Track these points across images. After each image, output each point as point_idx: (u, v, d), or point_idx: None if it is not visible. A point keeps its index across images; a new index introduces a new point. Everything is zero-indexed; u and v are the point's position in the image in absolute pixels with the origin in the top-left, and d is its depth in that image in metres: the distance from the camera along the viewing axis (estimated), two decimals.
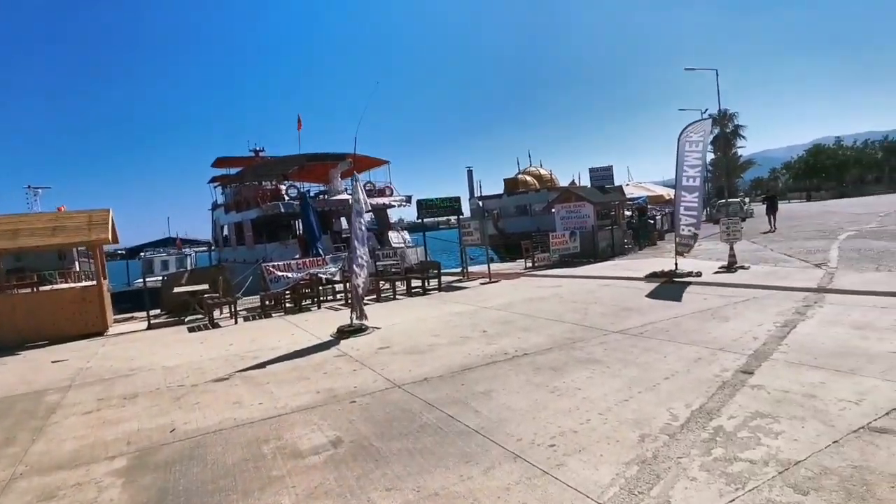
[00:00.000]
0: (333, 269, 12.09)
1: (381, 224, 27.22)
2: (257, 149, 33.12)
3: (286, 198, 23.76)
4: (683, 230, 11.34)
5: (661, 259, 14.95)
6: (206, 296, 11.31)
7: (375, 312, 9.57)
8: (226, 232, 30.28)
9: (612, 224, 18.17)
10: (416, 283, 12.50)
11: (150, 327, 10.21)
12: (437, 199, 13.76)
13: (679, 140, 11.17)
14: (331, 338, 7.53)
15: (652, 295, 8.85)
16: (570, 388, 4.41)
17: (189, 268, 21.27)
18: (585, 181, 29.39)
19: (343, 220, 28.95)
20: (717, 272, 10.78)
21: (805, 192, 72.02)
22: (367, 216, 29.38)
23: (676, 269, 10.86)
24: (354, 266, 7.75)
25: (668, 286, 9.67)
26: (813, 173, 72.99)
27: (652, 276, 10.83)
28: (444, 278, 14.47)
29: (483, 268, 15.36)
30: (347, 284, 11.93)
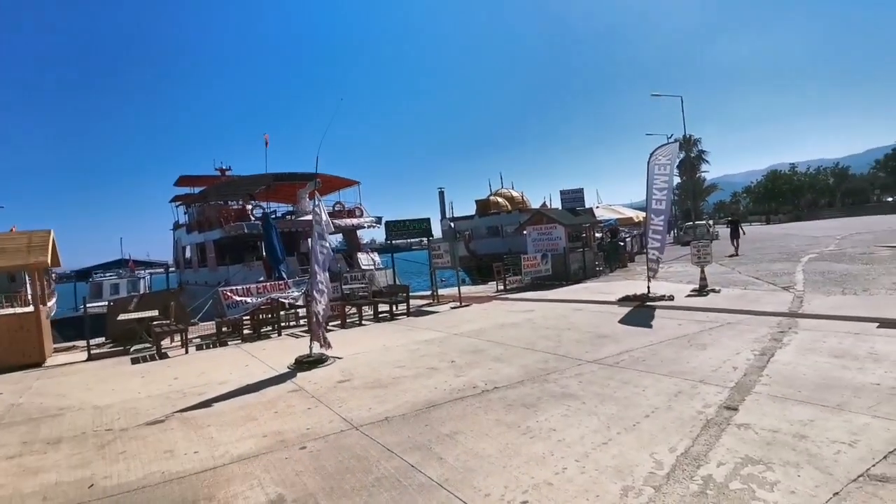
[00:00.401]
0: (296, 294, 11.48)
1: (350, 245, 26.66)
2: (223, 168, 32.17)
3: (252, 218, 23.00)
4: (651, 254, 11.27)
5: (632, 282, 14.89)
6: (155, 323, 10.55)
7: (339, 340, 9.04)
8: (188, 253, 29.12)
9: (583, 246, 18.13)
10: (383, 307, 12.00)
11: (90, 358, 9.35)
12: (406, 220, 13.39)
13: (648, 163, 11.17)
14: (288, 369, 6.98)
15: (626, 320, 8.62)
16: (545, 428, 4.02)
17: (143, 291, 20.15)
18: (557, 203, 29.61)
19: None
20: (689, 295, 10.69)
21: (765, 216, 74.84)
22: (334, 238, 28.81)
23: (649, 292, 10.72)
24: (314, 292, 7.25)
25: (642, 311, 9.48)
26: (771, 197, 76.05)
27: (625, 300, 10.65)
28: (413, 302, 14.02)
29: (454, 291, 15.00)
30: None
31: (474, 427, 4.17)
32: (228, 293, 10.64)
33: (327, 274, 7.46)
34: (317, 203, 7.32)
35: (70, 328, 13.65)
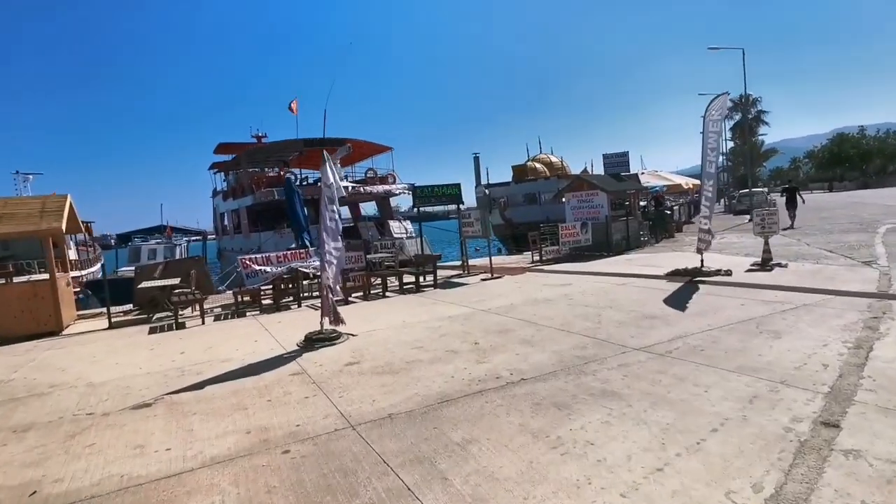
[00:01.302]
0: (318, 263, 10.93)
1: (382, 213, 26.08)
2: (259, 134, 31.95)
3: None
4: (702, 223, 10.00)
5: (681, 254, 13.62)
6: (176, 291, 10.26)
7: (358, 313, 8.43)
8: (226, 220, 29.34)
9: (627, 215, 16.80)
10: (409, 278, 11.32)
11: (110, 326, 9.15)
12: (434, 185, 12.50)
13: (704, 120, 9.80)
14: (297, 347, 6.39)
15: (677, 298, 7.57)
16: (580, 440, 3.20)
17: (178, 257, 20.30)
18: (599, 169, 27.93)
19: (342, 209, 27.88)
20: (750, 270, 9.46)
21: (827, 183, 69.43)
22: (370, 206, 28.14)
23: (702, 266, 9.55)
24: (324, 262, 6.57)
25: (695, 287, 8.38)
26: (836, 162, 70.30)
27: (674, 275, 9.53)
28: (442, 273, 13.30)
29: (484, 260, 14.13)
30: None
31: (492, 434, 3.40)
32: (247, 262, 10.19)
33: (339, 243, 6.75)
34: (327, 163, 6.55)
35: (103, 291, 13.69)
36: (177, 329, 8.50)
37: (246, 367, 5.63)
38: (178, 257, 20.53)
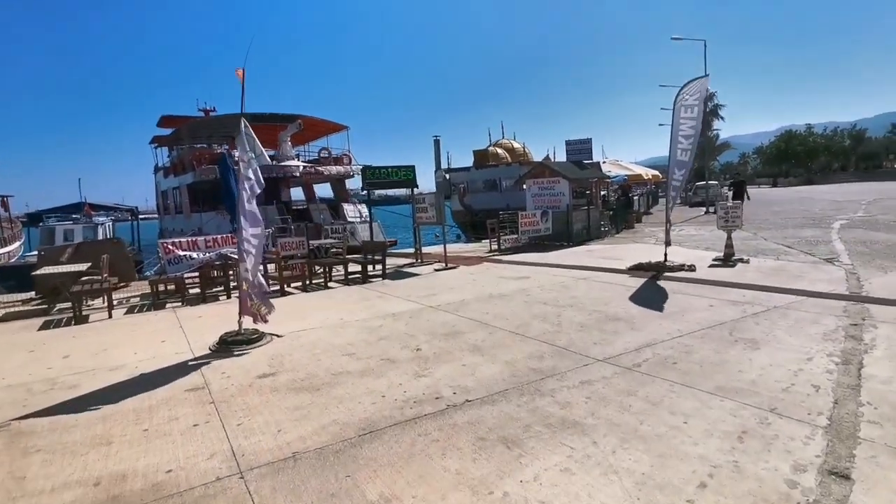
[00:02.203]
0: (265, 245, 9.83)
1: (337, 196, 24.79)
2: (207, 108, 29.75)
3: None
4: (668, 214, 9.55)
5: (641, 245, 13.25)
6: (84, 279, 8.95)
7: (292, 307, 7.48)
8: (168, 199, 27.27)
9: (588, 204, 16.36)
10: (356, 267, 10.38)
11: None
12: (386, 167, 11.52)
13: (675, 104, 9.25)
14: (209, 350, 5.41)
15: (641, 296, 7.01)
16: (533, 500, 2.45)
17: (100, 238, 18.47)
18: (561, 156, 27.53)
19: (293, 190, 26.37)
20: (713, 265, 9.06)
21: (772, 178, 72.31)
22: (324, 188, 26.65)
23: (666, 260, 9.09)
24: (241, 251, 5.58)
25: (659, 284, 7.86)
26: (784, 159, 73.30)
27: (637, 269, 9.02)
28: (393, 261, 12.42)
29: (440, 248, 13.35)
30: (270, 266, 9.76)
31: (421, 488, 2.60)
32: (170, 246, 8.97)
33: (258, 228, 5.75)
34: (243, 131, 5.51)
35: (9, 278, 12.10)
36: (76, 324, 7.29)
37: (136, 378, 4.62)
38: (99, 238, 18.67)
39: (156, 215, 30.52)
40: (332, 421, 3.48)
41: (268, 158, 5.50)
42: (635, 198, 22.34)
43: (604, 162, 27.11)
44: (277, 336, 5.82)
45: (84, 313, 7.96)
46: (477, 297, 7.58)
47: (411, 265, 11.71)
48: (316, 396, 3.94)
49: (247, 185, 5.50)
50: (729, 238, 9.60)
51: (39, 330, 7.06)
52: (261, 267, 5.80)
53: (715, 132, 48.09)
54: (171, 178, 24.77)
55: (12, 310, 8.76)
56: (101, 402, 4.06)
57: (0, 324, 7.62)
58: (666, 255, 9.20)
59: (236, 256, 9.59)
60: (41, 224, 19.21)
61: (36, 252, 11.42)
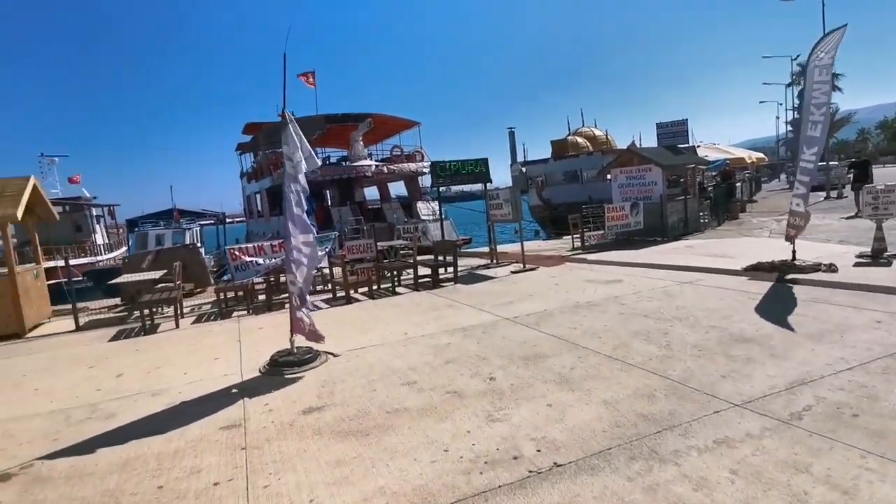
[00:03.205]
0: (319, 254, 9.42)
1: (410, 194, 24.43)
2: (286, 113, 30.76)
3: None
4: (794, 203, 7.74)
5: (754, 240, 11.38)
6: (160, 286, 9.00)
7: (354, 318, 6.88)
8: (253, 203, 28.51)
9: (684, 193, 14.51)
10: (426, 270, 9.65)
11: (77, 328, 7.95)
12: (458, 161, 10.69)
13: (806, 67, 7.53)
14: (259, 372, 4.87)
15: (772, 307, 5.59)
16: None
17: (188, 243, 19.35)
18: (649, 142, 25.25)
19: (366, 190, 26.38)
20: (859, 264, 7.31)
21: None
22: (398, 186, 26.42)
23: (794, 258, 7.45)
24: (290, 262, 4.97)
25: (791, 289, 6.34)
26: None
27: (756, 270, 7.47)
28: (467, 262, 11.59)
29: (517, 246, 12.31)
30: (336, 271, 9.30)
31: None
32: (236, 252, 8.76)
33: (310, 236, 5.12)
34: (289, 127, 4.88)
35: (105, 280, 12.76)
36: (144, 334, 7.18)
37: (174, 408, 4.14)
38: (187, 242, 19.61)
39: (244, 219, 32.13)
40: (378, 489, 2.67)
41: (317, 161, 4.84)
42: (738, 184, 19.80)
43: (698, 146, 24.43)
44: (333, 355, 5.17)
45: (156, 321, 7.92)
46: (561, 306, 6.52)
47: (486, 266, 10.80)
48: (363, 446, 3.16)
49: (294, 188, 4.87)
50: (879, 229, 7.71)
51: (111, 340, 7.00)
52: (311, 281, 5.16)
53: (834, 105, 42.16)
54: (254, 184, 25.76)
55: (96, 317, 8.99)
56: (129, 439, 3.57)
57: (80, 333, 7.73)
58: (794, 251, 7.55)
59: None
60: (136, 230, 20.58)
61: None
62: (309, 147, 4.91)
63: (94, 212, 24.99)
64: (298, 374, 4.70)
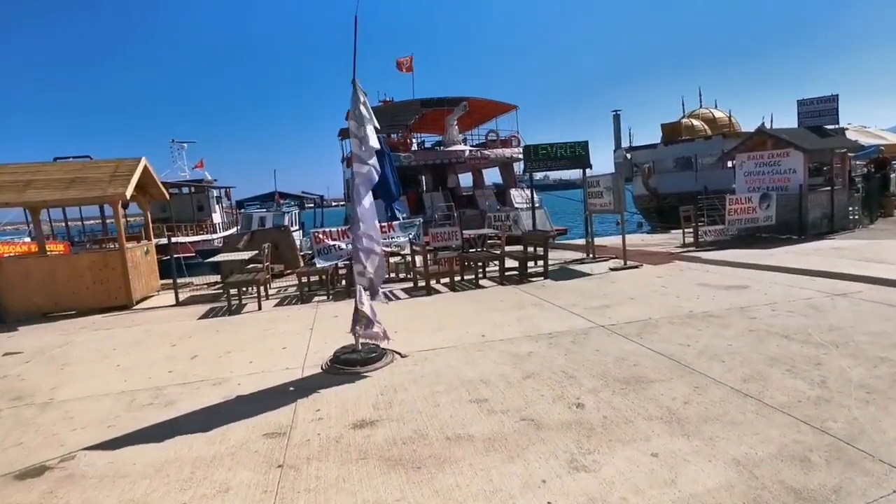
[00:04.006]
0: (402, 240, 9.07)
1: (505, 180, 23.58)
2: (387, 99, 31.33)
3: (409, 150, 21.44)
4: None
5: None
6: (250, 266, 9.21)
7: (431, 311, 6.41)
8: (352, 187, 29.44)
9: (829, 183, 12.17)
10: (511, 262, 8.91)
11: (177, 303, 8.34)
12: (553, 144, 9.71)
13: None
14: (321, 369, 4.53)
15: None
16: None
17: (287, 224, 20.22)
18: (782, 124, 21.96)
19: (460, 176, 25.94)
20: None
21: None
22: (492, 173, 25.72)
23: None
24: (358, 251, 4.51)
25: None
26: None
27: None
28: (561, 255, 10.65)
29: (617, 239, 11.08)
30: (418, 259, 8.88)
31: None
32: (320, 235, 8.68)
33: (375, 222, 4.62)
34: (360, 98, 4.36)
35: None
36: (229, 314, 7.29)
37: (229, 402, 3.89)
38: (285, 224, 20.51)
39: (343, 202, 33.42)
40: None
41: (377, 142, 4.22)
42: (893, 175, 16.41)
43: (846, 128, 20.69)
44: (400, 355, 4.69)
45: (243, 301, 8.05)
46: (670, 314, 5.47)
47: (581, 261, 9.78)
48: (411, 484, 2.59)
49: (362, 170, 4.38)
50: None
51: (200, 318, 7.17)
52: (383, 272, 4.67)
53: None
54: (350, 169, 26.48)
55: (198, 293, 9.44)
56: (176, 434, 3.33)
57: (178, 308, 8.08)
58: None
59: (386, 248, 8.97)
60: (241, 211, 21.98)
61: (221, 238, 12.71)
62: (375, 123, 4.38)
63: (215, 193, 27.28)
64: (360, 374, 4.27)
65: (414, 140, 25.41)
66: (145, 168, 8.88)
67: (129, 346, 5.82)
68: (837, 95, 12.20)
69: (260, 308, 7.53)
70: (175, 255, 16.59)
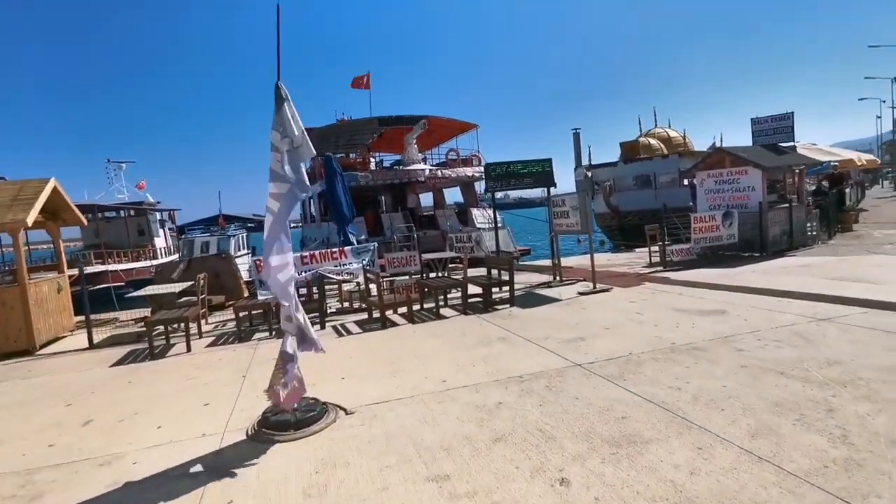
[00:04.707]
0: (355, 266, 8.26)
1: (466, 200, 23.13)
2: (344, 118, 30.56)
3: (367, 170, 20.66)
4: None
5: (889, 258, 9.10)
6: (183, 299, 8.20)
7: (384, 349, 5.62)
8: (309, 208, 28.31)
9: (783, 200, 12.23)
10: (475, 289, 8.26)
11: (91, 346, 7.20)
12: (515, 162, 9.22)
13: None
14: (245, 435, 3.67)
15: None
16: None
17: (231, 250, 18.97)
18: (732, 143, 22.51)
19: (420, 196, 25.39)
20: None
21: None
22: (453, 192, 25.23)
23: None
24: (274, 286, 3.69)
25: None
26: None
27: None
28: (524, 278, 10.10)
29: (583, 259, 10.66)
30: (373, 287, 8.09)
31: None
32: (261, 263, 7.76)
33: (286, 246, 3.80)
34: (285, 104, 3.61)
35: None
36: (151, 359, 6.27)
37: (114, 492, 2.99)
38: (231, 249, 19.23)
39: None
40: None
41: (312, 150, 3.53)
42: (847, 191, 16.94)
43: (795, 146, 21.38)
44: (345, 412, 3.89)
45: (172, 342, 7.04)
46: (651, 348, 4.91)
47: (547, 284, 9.24)
48: None
49: (278, 189, 3.59)
50: None
51: (113, 365, 6.12)
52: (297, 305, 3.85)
53: None
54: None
55: (120, 330, 8.30)
56: None
57: (90, 352, 6.95)
58: None
59: (335, 276, 8.14)
60: (182, 236, 20.55)
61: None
62: (302, 132, 3.64)
63: (158, 216, 25.58)
64: (293, 438, 3.45)
65: (372, 159, 24.71)
66: (55, 191, 7.78)
67: (10, 408, 4.76)
68: (792, 113, 12.33)
69: (189, 349, 6.54)
70: (104, 286, 15.14)
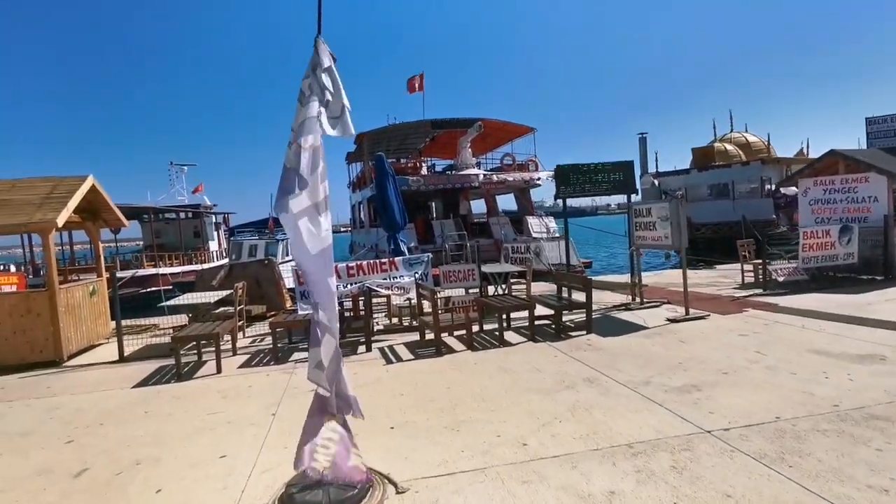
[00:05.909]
0: (407, 280, 7.30)
1: (520, 207, 21.88)
2: (397, 122, 30.11)
3: (419, 174, 19.92)
4: None
5: None
6: (219, 310, 7.51)
7: (439, 389, 4.57)
8: (358, 213, 27.93)
9: None
10: (544, 310, 7.10)
11: (120, 359, 6.58)
12: (590, 164, 8.00)
13: None
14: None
15: None
16: None
17: (279, 254, 18.52)
18: (818, 151, 20.15)
19: (472, 202, 24.38)
20: None
21: None
22: (506, 199, 24.14)
23: None
24: (316, 329, 2.72)
25: None
26: None
27: None
28: (598, 295, 8.80)
29: (660, 277, 9.25)
30: (426, 304, 7.09)
31: None
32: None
33: (328, 271, 2.83)
34: (318, 53, 2.62)
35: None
36: (178, 380, 5.52)
37: None
38: (278, 254, 18.79)
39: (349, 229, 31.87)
40: None
41: (350, 127, 2.59)
42: None
43: None
44: (394, 487, 2.87)
45: (203, 359, 6.31)
46: (805, 409, 3.61)
47: (626, 307, 7.93)
48: None
49: (306, 166, 2.59)
50: None
51: (136, 386, 5.41)
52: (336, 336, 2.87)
53: None
54: (357, 193, 24.99)
55: (156, 340, 7.70)
56: None
57: (118, 366, 6.32)
58: None
59: (384, 290, 7.21)
60: (232, 239, 20.42)
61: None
62: (343, 99, 2.65)
63: (213, 219, 25.86)
64: None
65: (424, 164, 23.96)
66: (93, 189, 7.28)
67: (11, 439, 4.07)
68: None
69: (219, 370, 5.74)
70: (154, 289, 14.90)
